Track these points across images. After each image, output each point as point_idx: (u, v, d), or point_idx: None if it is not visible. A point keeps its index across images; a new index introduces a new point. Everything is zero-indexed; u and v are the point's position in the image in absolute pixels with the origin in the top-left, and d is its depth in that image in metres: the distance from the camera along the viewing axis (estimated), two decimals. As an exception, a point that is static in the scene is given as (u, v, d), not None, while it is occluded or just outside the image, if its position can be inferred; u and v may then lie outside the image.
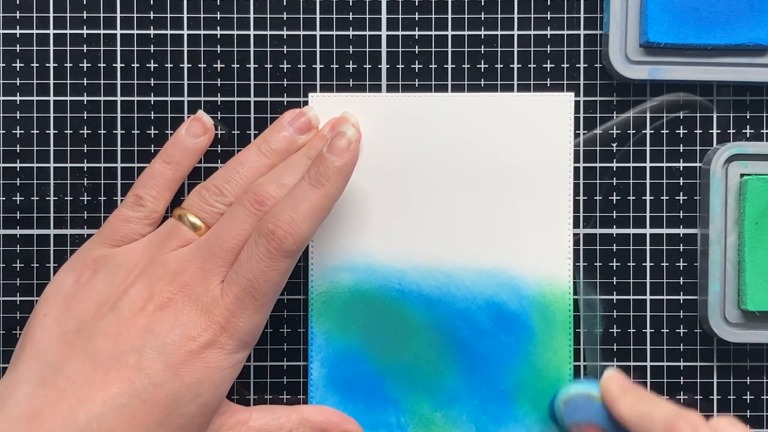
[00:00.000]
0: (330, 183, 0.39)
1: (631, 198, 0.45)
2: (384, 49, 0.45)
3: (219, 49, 0.45)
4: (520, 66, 0.45)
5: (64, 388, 0.37)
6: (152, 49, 0.45)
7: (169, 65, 0.45)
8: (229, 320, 0.39)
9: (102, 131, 0.45)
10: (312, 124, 0.43)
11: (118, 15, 0.45)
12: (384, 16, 0.45)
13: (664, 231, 0.45)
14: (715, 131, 0.45)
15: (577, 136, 0.44)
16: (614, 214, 0.45)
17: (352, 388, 0.44)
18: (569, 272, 0.44)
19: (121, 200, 0.45)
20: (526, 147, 0.44)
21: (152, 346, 0.38)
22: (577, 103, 0.45)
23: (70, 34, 0.45)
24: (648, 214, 0.45)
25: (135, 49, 0.45)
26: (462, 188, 0.44)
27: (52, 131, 0.45)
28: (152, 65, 0.45)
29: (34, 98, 0.45)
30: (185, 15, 0.45)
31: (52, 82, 0.45)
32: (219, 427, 0.40)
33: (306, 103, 0.45)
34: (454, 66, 0.45)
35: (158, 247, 0.41)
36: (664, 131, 0.45)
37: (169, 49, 0.45)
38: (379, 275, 0.44)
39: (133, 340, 0.38)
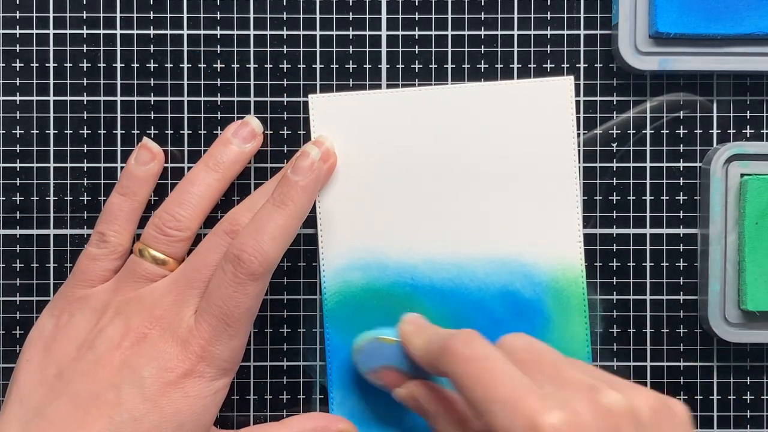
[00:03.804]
0: (293, 203, 0.39)
1: (631, 198, 0.45)
2: (384, 49, 0.45)
3: (219, 49, 0.45)
4: (520, 66, 0.45)
5: (47, 431, 0.37)
6: (152, 49, 0.45)
7: (169, 65, 0.45)
8: (205, 349, 0.39)
9: (102, 131, 0.45)
10: (256, 132, 0.43)
11: (118, 15, 0.45)
12: (384, 16, 0.45)
13: (664, 231, 0.45)
14: (715, 131, 0.45)
15: (579, 135, 0.44)
16: (614, 214, 0.45)
17: (372, 387, 0.44)
18: (581, 255, 0.44)
19: (121, 200, 0.45)
20: (530, 133, 0.44)
21: (130, 380, 0.38)
22: (577, 102, 0.45)
23: (69, 34, 0.45)
24: (648, 214, 0.45)
25: (135, 49, 0.45)
26: (468, 179, 0.44)
27: (51, 131, 0.45)
28: (152, 65, 0.45)
29: (34, 98, 0.45)
30: (185, 15, 0.45)
31: (51, 82, 0.45)
32: None
33: (306, 103, 0.45)
34: (454, 66, 0.45)
35: (128, 284, 0.41)
36: (664, 131, 0.45)
37: (169, 49, 0.45)
38: (391, 271, 0.44)
39: (111, 377, 0.38)
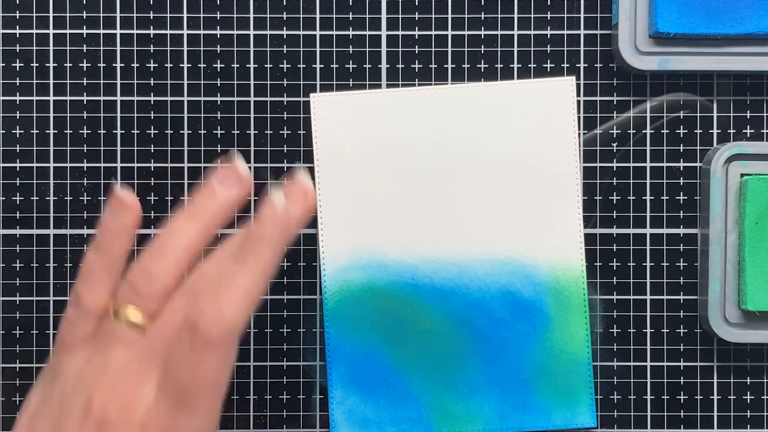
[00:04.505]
0: (256, 260, 0.35)
1: (631, 198, 0.45)
2: (384, 49, 0.45)
3: (219, 49, 0.45)
4: (520, 66, 0.45)
5: None
6: (152, 49, 0.45)
7: (168, 65, 0.45)
8: (167, 429, 0.34)
9: (102, 131, 0.45)
10: (241, 174, 0.37)
11: (118, 15, 0.45)
12: (384, 15, 0.45)
13: (664, 231, 0.45)
14: (715, 131, 0.45)
15: (579, 135, 0.44)
16: (614, 214, 0.45)
17: (372, 386, 0.44)
18: (581, 256, 0.44)
19: (121, 200, 0.45)
20: (531, 134, 0.44)
21: None
22: (577, 102, 0.45)
23: (69, 34, 0.45)
24: (648, 214, 0.45)
25: (135, 48, 0.45)
26: (469, 179, 0.44)
27: (51, 131, 0.45)
28: (152, 65, 0.45)
29: (34, 98, 0.45)
30: (185, 15, 0.45)
31: (51, 82, 0.45)
32: None
33: (306, 103, 0.44)
34: (454, 66, 0.45)
35: (100, 350, 0.36)
36: (664, 131, 0.45)
37: (168, 48, 0.45)
38: (392, 271, 0.44)
39: None
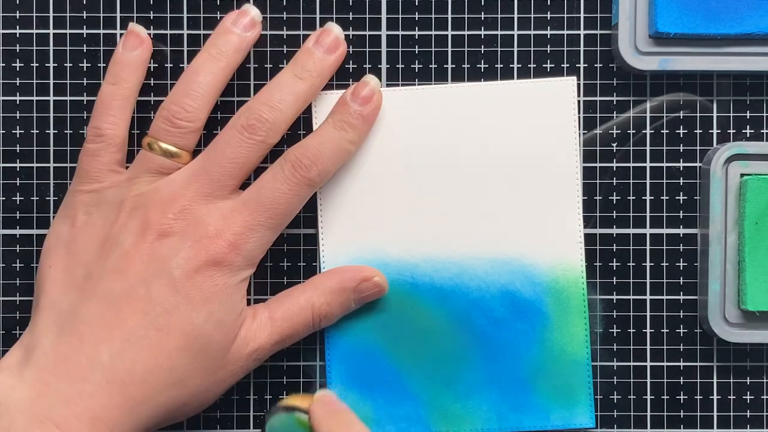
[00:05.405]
0: (353, 130, 0.42)
1: (631, 198, 0.45)
2: (384, 49, 0.45)
3: (219, 49, 0.45)
4: (520, 66, 0.45)
5: (84, 332, 0.38)
6: (152, 48, 0.45)
7: (168, 65, 0.45)
8: (240, 236, 0.40)
9: (102, 131, 0.45)
10: (255, 20, 0.43)
11: (118, 15, 0.45)
12: (384, 15, 0.45)
13: (664, 231, 0.45)
14: (715, 131, 0.45)
15: (579, 135, 0.44)
16: (614, 214, 0.45)
17: (371, 384, 0.44)
18: (581, 256, 0.44)
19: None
20: (531, 134, 0.44)
21: (159, 273, 0.39)
22: (577, 102, 0.45)
23: (69, 34, 0.45)
24: (648, 214, 0.45)
25: (135, 49, 0.45)
26: (470, 178, 0.44)
27: (51, 131, 0.45)
28: (152, 65, 0.45)
29: (34, 98, 0.45)
30: (185, 15, 0.45)
31: (51, 82, 0.45)
32: (246, 333, 0.41)
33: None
34: (454, 66, 0.45)
35: (141, 178, 0.41)
36: (664, 131, 0.45)
37: (169, 49, 0.45)
38: (392, 269, 0.44)
39: (140, 272, 0.39)
